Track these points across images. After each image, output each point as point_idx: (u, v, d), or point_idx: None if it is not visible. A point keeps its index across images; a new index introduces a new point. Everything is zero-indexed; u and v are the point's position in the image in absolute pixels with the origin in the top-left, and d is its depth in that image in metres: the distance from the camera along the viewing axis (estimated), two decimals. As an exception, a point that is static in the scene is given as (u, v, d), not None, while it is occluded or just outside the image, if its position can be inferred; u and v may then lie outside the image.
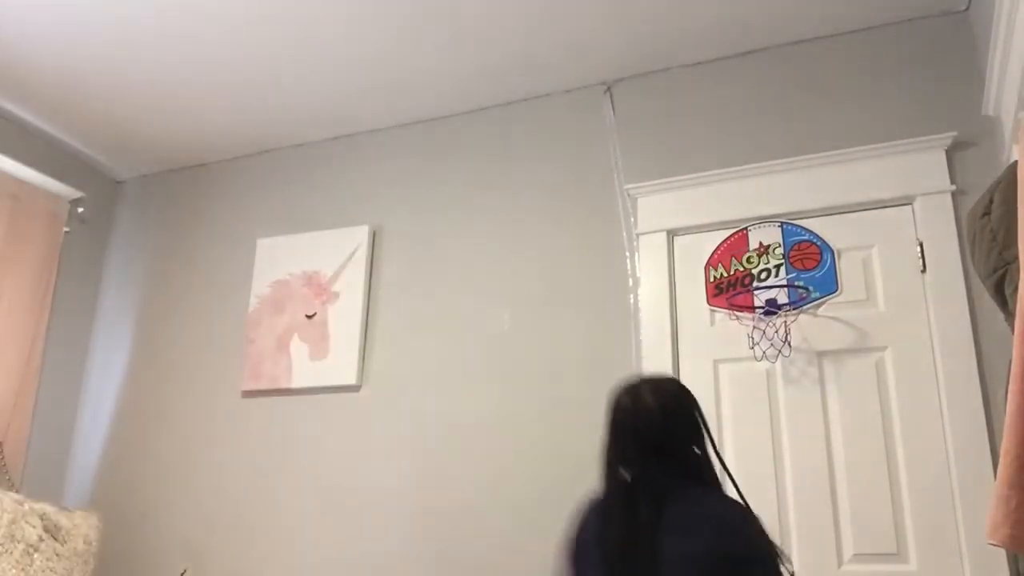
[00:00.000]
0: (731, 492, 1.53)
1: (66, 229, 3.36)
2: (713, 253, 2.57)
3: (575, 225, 2.80)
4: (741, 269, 2.52)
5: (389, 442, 2.82)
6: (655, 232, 2.65)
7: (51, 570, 2.47)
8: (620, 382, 1.61)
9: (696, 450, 1.53)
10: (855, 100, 2.54)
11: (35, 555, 2.44)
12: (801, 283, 2.43)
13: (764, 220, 2.53)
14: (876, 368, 2.30)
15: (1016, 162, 1.63)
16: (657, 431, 1.51)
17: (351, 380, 2.92)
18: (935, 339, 2.25)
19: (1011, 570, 1.99)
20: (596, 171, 2.83)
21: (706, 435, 1.55)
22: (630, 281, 2.66)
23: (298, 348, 3.03)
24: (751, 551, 1.37)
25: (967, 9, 2.48)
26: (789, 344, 2.38)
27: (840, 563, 2.18)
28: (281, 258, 3.19)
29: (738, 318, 2.47)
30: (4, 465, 2.94)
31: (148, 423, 3.25)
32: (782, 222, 2.51)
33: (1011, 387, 1.35)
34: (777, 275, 2.47)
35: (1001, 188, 1.69)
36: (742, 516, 1.41)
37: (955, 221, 2.30)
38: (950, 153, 2.36)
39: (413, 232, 3.05)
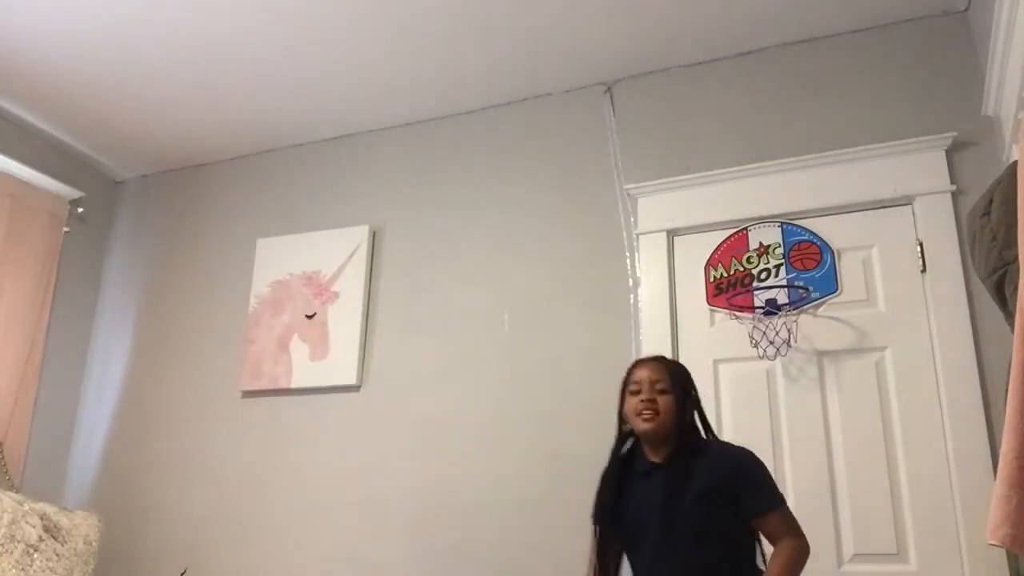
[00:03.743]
0: None
1: (66, 229, 3.35)
2: (713, 253, 2.57)
3: (575, 225, 2.80)
4: (741, 269, 2.51)
5: (389, 442, 2.82)
6: (655, 232, 2.65)
7: (51, 570, 2.47)
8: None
9: None
10: (855, 100, 2.54)
11: (35, 555, 2.44)
12: (801, 283, 2.43)
13: (764, 220, 2.53)
14: (876, 368, 2.30)
15: (1016, 162, 1.64)
16: None
17: (351, 380, 2.92)
18: (935, 339, 2.25)
19: (1011, 570, 1.99)
20: (596, 171, 2.83)
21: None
22: (630, 281, 2.66)
23: (298, 348, 3.02)
24: None
25: (967, 9, 2.48)
26: (789, 344, 2.38)
27: (840, 563, 2.18)
28: (281, 258, 3.18)
29: (738, 318, 2.47)
30: (4, 465, 2.94)
31: (148, 423, 3.25)
32: (782, 222, 2.51)
33: (1011, 387, 1.35)
34: (777, 275, 2.47)
35: (1001, 188, 1.70)
36: None
37: (955, 221, 2.30)
38: (950, 153, 2.36)
39: (413, 232, 3.05)
